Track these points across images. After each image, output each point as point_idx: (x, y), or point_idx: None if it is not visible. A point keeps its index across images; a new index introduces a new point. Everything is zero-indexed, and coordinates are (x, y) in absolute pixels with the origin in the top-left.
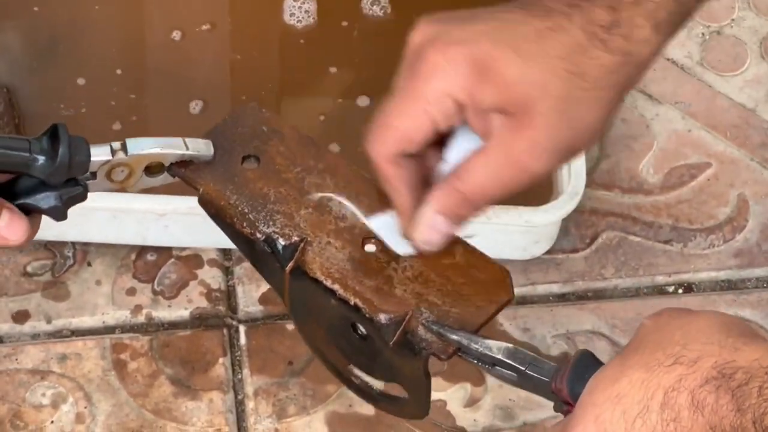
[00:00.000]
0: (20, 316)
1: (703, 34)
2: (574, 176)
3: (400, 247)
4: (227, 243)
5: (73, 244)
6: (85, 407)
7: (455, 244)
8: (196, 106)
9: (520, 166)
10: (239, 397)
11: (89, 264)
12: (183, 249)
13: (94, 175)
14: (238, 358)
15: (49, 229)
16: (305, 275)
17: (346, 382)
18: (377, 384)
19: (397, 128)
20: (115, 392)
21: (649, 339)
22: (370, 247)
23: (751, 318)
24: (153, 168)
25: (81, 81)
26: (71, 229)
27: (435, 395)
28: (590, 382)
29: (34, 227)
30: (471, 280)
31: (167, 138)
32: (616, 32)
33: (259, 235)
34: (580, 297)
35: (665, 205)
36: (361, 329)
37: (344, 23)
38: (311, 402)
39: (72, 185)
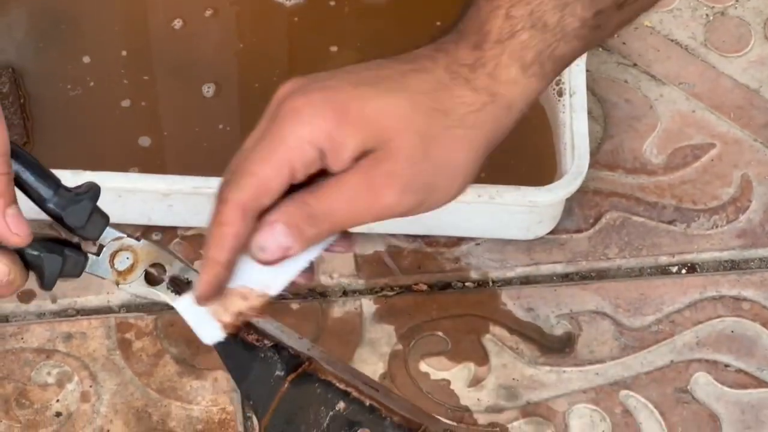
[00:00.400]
0: (25, 296)
1: (707, 14)
2: (577, 156)
3: (207, 333)
4: None
5: None
6: (90, 386)
7: None
8: (209, 90)
9: (375, 195)
10: None
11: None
12: (188, 229)
13: (99, 252)
14: None
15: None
16: (311, 382)
17: None
18: None
19: (257, 175)
20: (120, 371)
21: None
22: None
23: (754, 298)
24: (153, 276)
25: (86, 59)
26: None
27: (439, 374)
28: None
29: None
30: None
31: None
32: (480, 71)
33: (267, 342)
34: (584, 277)
35: (669, 186)
36: None
37: (331, 2)
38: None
39: (76, 253)
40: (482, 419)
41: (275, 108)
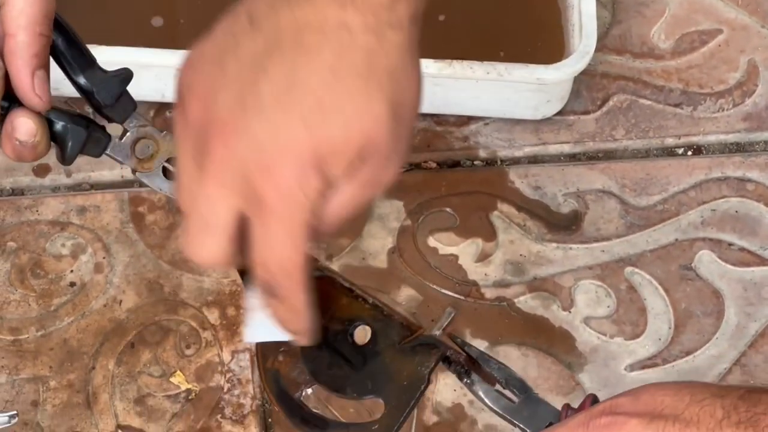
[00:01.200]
0: (41, 170)
1: None
2: (585, 36)
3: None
4: None
5: None
6: (104, 258)
7: None
8: None
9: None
10: None
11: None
12: None
13: (122, 136)
14: None
15: (69, 84)
16: (314, 274)
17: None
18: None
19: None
20: (133, 243)
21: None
22: None
23: (758, 179)
24: (170, 171)
25: None
26: None
27: (447, 249)
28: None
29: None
30: None
31: None
32: None
33: None
34: (591, 157)
35: (676, 70)
36: (359, 335)
37: None
38: (325, 255)
39: (101, 131)
40: (489, 293)
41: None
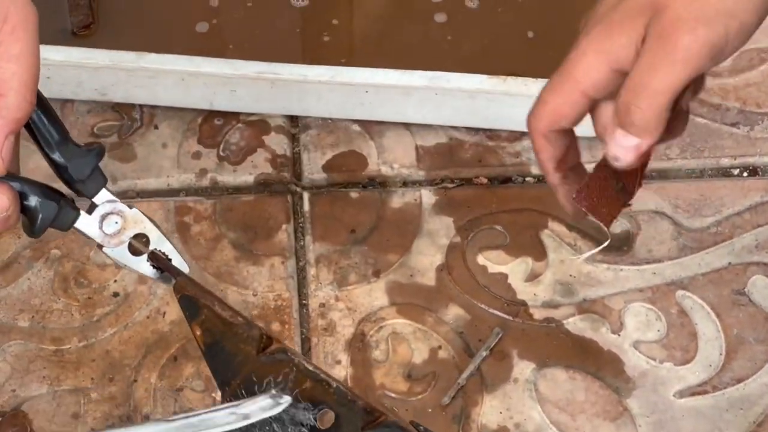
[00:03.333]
0: None
1: None
2: None
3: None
4: (294, 110)
5: (141, 106)
6: None
7: None
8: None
9: (670, 45)
10: (301, 264)
11: (156, 127)
12: (250, 115)
13: (90, 210)
14: (301, 224)
15: (116, 91)
16: (281, 359)
17: None
18: None
19: (549, 104)
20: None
21: None
22: None
23: None
24: (135, 247)
25: None
26: (139, 91)
27: (497, 268)
28: None
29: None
30: None
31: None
32: None
33: (240, 319)
34: (644, 177)
35: (733, 88)
36: (323, 419)
37: None
38: (372, 270)
39: (70, 208)
40: (538, 314)
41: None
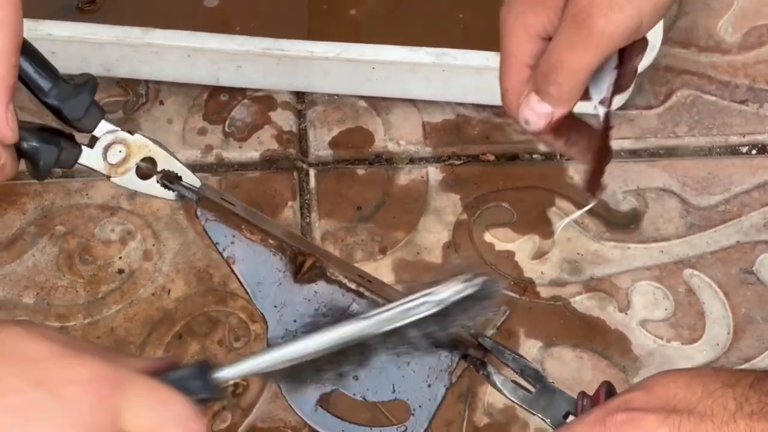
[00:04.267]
0: None
1: None
2: (651, 31)
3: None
4: (301, 86)
5: (146, 82)
6: (153, 245)
7: None
8: None
9: (585, 28)
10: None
11: (161, 103)
12: (256, 90)
13: (92, 144)
14: (307, 201)
15: (121, 66)
16: (321, 280)
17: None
18: None
19: (509, 89)
20: (183, 231)
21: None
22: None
23: None
24: (143, 170)
25: None
26: (144, 67)
27: (503, 246)
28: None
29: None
30: None
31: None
32: None
33: (271, 241)
34: (652, 154)
35: (742, 65)
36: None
37: None
38: (379, 248)
39: (71, 144)
40: (545, 292)
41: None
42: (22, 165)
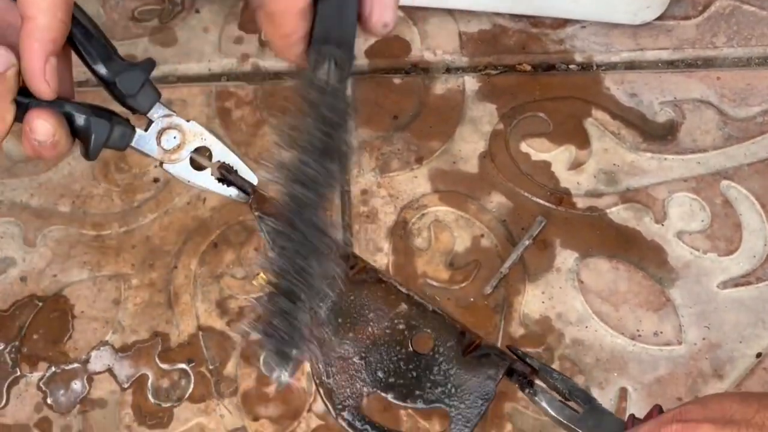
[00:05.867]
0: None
1: None
2: None
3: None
4: None
5: None
6: None
7: None
8: None
9: None
10: None
11: (197, 11)
12: None
13: (147, 127)
14: None
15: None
16: (372, 281)
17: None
18: None
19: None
20: (219, 139)
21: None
22: None
23: None
24: (199, 161)
25: None
26: None
27: (540, 156)
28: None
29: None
30: None
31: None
32: None
33: (327, 239)
34: (690, 65)
35: None
36: (419, 343)
37: None
38: (415, 157)
39: (124, 123)
40: (581, 203)
41: None
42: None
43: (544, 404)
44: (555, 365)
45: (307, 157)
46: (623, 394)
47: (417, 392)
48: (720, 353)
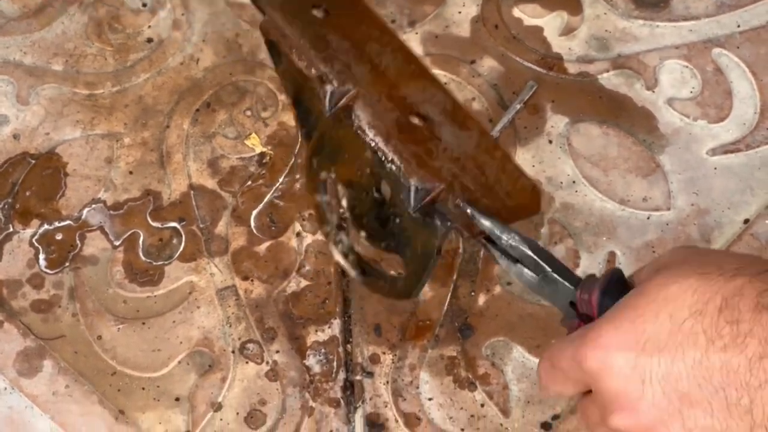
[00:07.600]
0: None
1: None
2: None
3: None
4: None
5: None
6: (182, 14)
7: (496, 149)
8: None
9: None
10: None
11: None
12: None
13: None
14: None
15: None
16: (347, 123)
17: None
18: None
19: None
20: (213, 1)
21: (688, 259)
22: (415, 120)
23: None
24: None
25: None
26: None
27: (532, 21)
28: (630, 294)
29: None
30: (505, 182)
31: None
32: None
33: (313, 71)
34: None
35: None
36: (384, 191)
37: None
38: (408, 21)
39: None
40: (572, 68)
41: None
42: None
43: (504, 267)
44: (544, 229)
45: None
46: (612, 258)
47: (381, 237)
48: (708, 219)
